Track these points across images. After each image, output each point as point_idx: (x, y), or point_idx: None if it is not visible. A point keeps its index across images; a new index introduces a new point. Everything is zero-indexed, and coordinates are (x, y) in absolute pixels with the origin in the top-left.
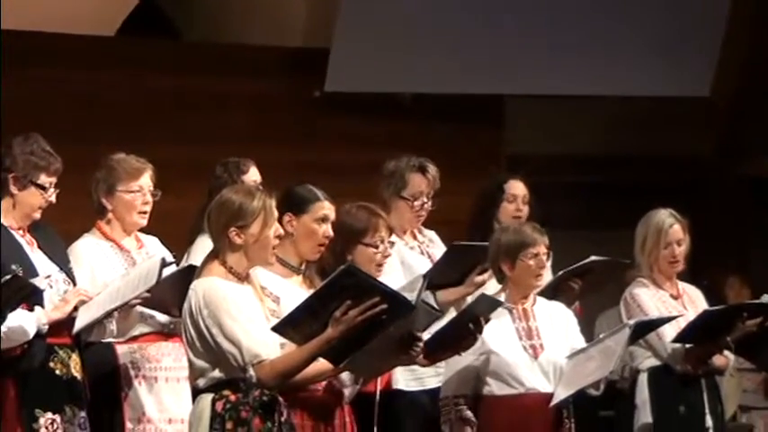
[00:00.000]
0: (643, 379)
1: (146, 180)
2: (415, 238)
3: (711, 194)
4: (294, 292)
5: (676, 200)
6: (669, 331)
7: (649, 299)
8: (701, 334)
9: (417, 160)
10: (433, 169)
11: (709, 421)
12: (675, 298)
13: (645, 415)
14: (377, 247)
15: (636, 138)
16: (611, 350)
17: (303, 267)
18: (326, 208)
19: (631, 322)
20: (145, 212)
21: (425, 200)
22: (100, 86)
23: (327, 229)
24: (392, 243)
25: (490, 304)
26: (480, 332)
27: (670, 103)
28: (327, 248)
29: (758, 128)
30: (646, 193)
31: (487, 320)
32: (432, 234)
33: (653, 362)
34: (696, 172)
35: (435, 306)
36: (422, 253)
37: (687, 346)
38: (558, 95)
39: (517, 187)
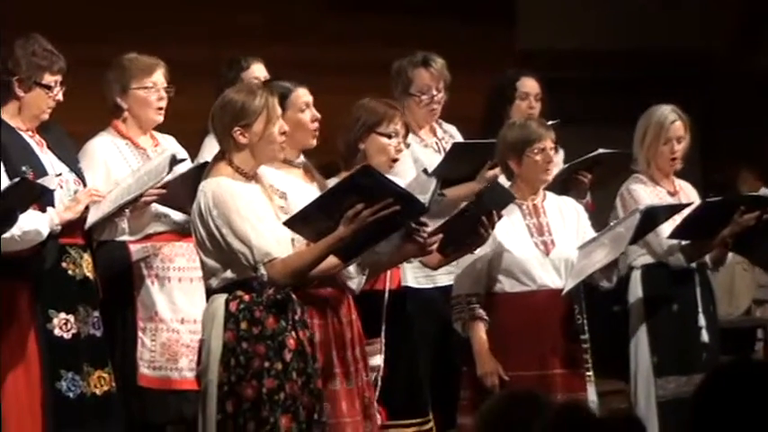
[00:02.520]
0: (636, 276)
1: (159, 77)
2: (434, 134)
3: (723, 88)
4: (299, 186)
5: (689, 94)
6: (665, 228)
7: (647, 195)
8: (699, 229)
9: (421, 55)
10: (437, 62)
11: (702, 320)
12: (672, 194)
13: (638, 312)
14: (390, 137)
15: (648, 32)
16: (621, 236)
17: (301, 161)
18: (303, 94)
19: (641, 207)
20: (161, 108)
21: (435, 92)
22: None
23: (313, 113)
24: (408, 144)
25: (502, 195)
26: (493, 227)
27: None
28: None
29: None
30: (658, 88)
31: (500, 216)
32: (452, 129)
33: (647, 259)
34: (708, 65)
35: (438, 191)
36: (438, 150)
37: (683, 242)
38: None
39: (529, 85)
